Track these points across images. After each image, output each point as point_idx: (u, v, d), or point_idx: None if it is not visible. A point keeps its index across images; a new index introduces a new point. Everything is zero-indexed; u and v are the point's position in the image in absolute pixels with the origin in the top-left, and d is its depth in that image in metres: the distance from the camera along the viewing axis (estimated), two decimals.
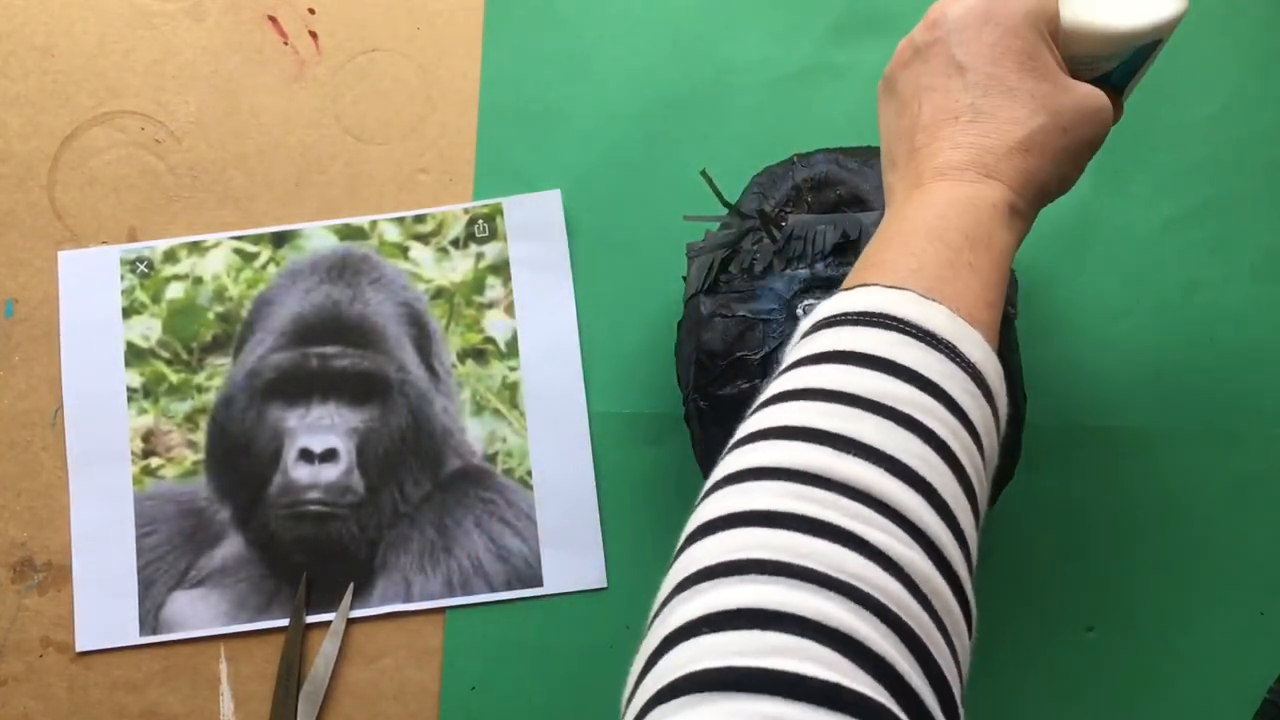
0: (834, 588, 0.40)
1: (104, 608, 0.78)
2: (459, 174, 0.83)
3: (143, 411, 0.81)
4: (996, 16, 0.54)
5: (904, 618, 0.41)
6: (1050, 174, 0.53)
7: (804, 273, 0.68)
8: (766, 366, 0.68)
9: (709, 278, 0.70)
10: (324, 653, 0.77)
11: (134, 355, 0.81)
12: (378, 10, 0.85)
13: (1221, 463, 0.77)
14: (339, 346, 0.81)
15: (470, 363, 0.81)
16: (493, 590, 0.77)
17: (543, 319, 0.81)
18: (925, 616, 0.41)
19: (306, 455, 0.79)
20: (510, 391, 0.80)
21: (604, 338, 0.80)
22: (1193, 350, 0.77)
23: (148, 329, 0.82)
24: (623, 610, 0.77)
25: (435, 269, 0.82)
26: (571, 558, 0.77)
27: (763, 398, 0.47)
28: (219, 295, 0.82)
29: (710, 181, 0.73)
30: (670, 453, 0.78)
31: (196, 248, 0.83)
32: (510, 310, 0.81)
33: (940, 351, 0.46)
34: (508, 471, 0.79)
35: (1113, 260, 0.80)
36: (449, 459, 0.79)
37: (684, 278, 0.74)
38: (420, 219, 0.82)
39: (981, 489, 0.47)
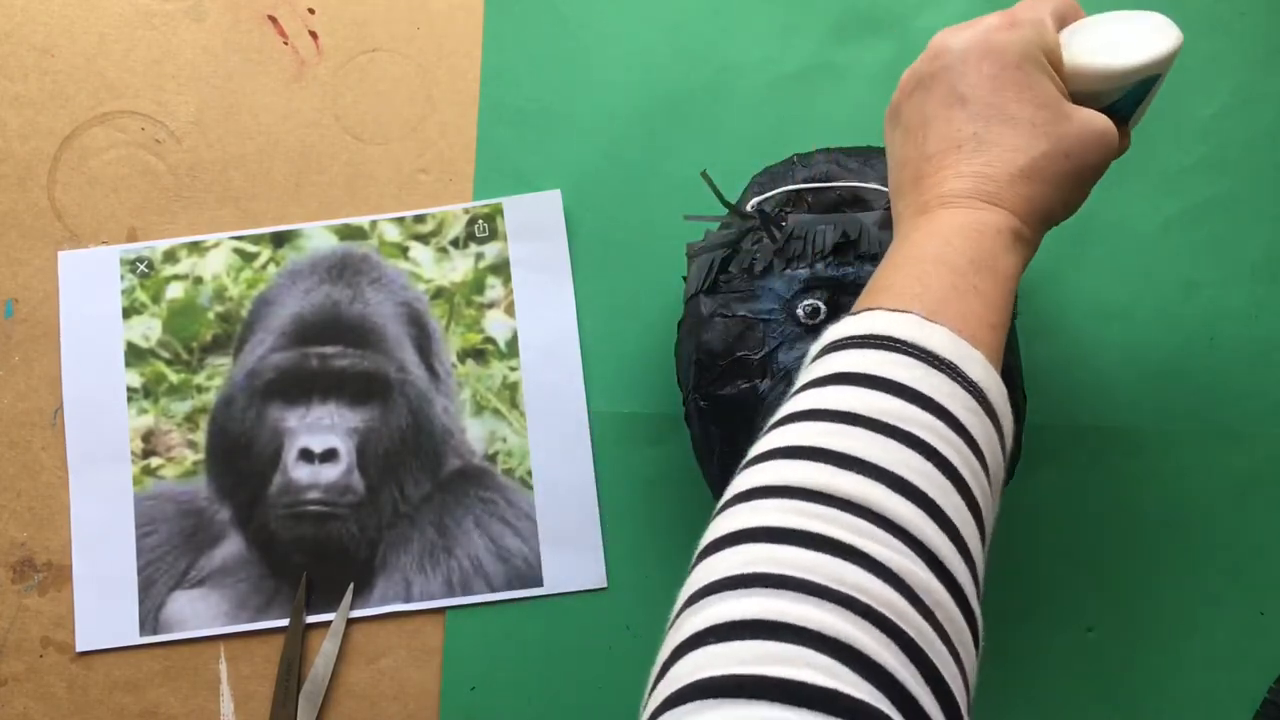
0: (834, 599, 0.42)
1: (104, 608, 0.78)
2: (459, 174, 0.83)
3: (143, 411, 0.81)
4: (996, 48, 0.56)
5: (904, 627, 0.42)
6: (1054, 199, 0.54)
7: (804, 273, 0.68)
8: (766, 366, 0.68)
9: (709, 278, 0.70)
10: (324, 653, 0.77)
11: (134, 355, 0.81)
12: (378, 10, 0.85)
13: (1221, 463, 0.77)
14: (339, 346, 0.81)
15: (470, 363, 0.81)
16: (493, 590, 0.77)
17: (543, 319, 0.81)
18: (926, 626, 0.43)
19: (306, 455, 0.79)
20: (510, 391, 0.80)
21: (604, 338, 0.80)
22: (1193, 350, 0.77)
23: (148, 329, 0.82)
24: (623, 610, 0.77)
25: (435, 269, 0.82)
26: (571, 558, 0.77)
27: (773, 420, 0.49)
28: (219, 295, 0.82)
29: (710, 182, 0.73)
30: (670, 453, 0.78)
31: (196, 248, 0.83)
32: (510, 310, 0.81)
33: (942, 371, 0.48)
34: (508, 471, 0.79)
35: (1113, 260, 0.80)
36: (449, 459, 0.79)
37: (684, 278, 0.74)
38: (420, 219, 0.82)
39: (987, 503, 0.48)
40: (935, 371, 0.47)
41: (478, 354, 0.81)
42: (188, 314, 0.82)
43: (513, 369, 0.80)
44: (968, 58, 0.56)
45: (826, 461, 0.45)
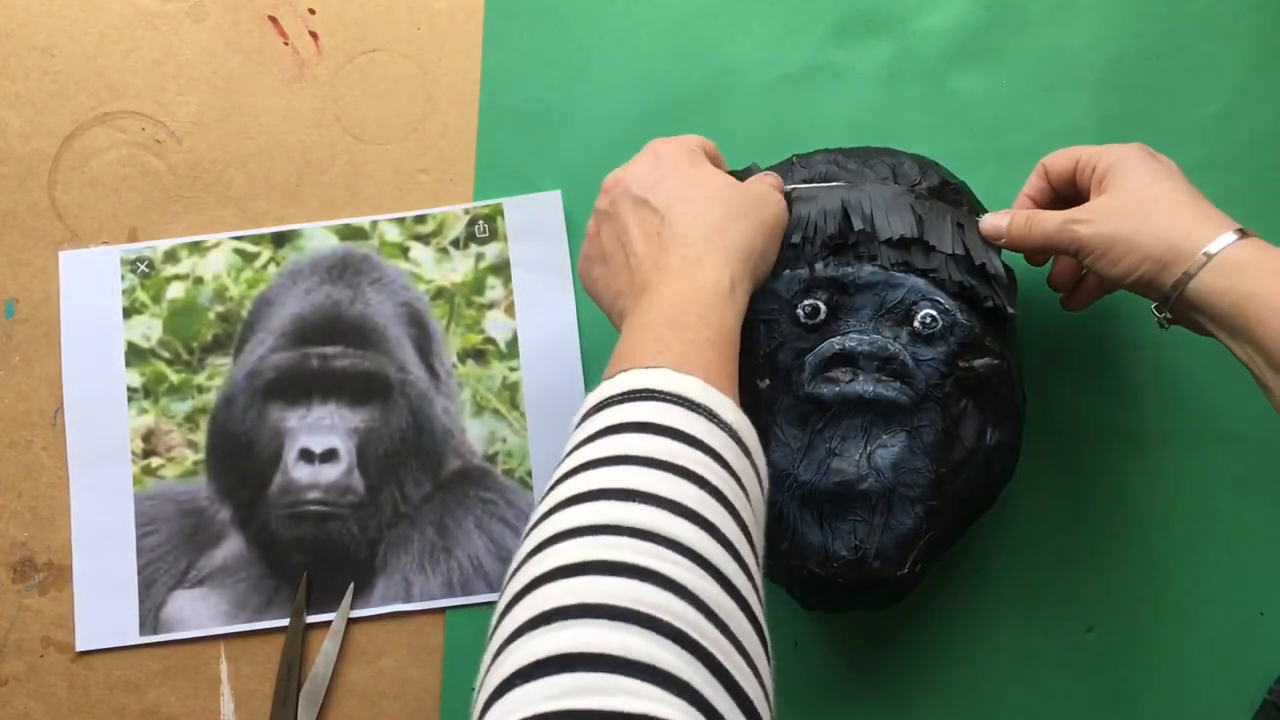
0: (637, 621, 0.44)
1: (104, 608, 0.78)
2: (459, 174, 0.83)
3: (143, 411, 0.81)
4: (660, 155, 0.65)
5: (704, 643, 0.44)
6: (748, 248, 0.62)
7: (804, 273, 0.67)
8: (767, 366, 0.68)
9: None
10: (324, 653, 0.77)
11: (134, 355, 0.81)
12: (378, 10, 0.85)
13: (1221, 463, 0.77)
14: (339, 347, 0.81)
15: (470, 363, 0.81)
16: (493, 590, 0.77)
17: (543, 319, 0.81)
18: (724, 640, 0.45)
19: (307, 455, 0.79)
20: (510, 391, 0.80)
21: (604, 338, 0.80)
22: (1193, 350, 0.77)
23: (148, 329, 0.82)
24: None
25: (435, 269, 0.82)
26: None
27: (553, 478, 0.52)
28: (219, 295, 0.82)
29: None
30: None
31: (197, 248, 0.83)
32: (510, 310, 0.81)
33: (700, 415, 0.52)
34: (508, 471, 0.79)
35: None
36: (449, 459, 0.79)
37: None
38: (420, 219, 0.82)
39: (756, 533, 0.52)
40: (694, 415, 0.52)
41: (478, 354, 0.81)
42: (188, 314, 0.82)
43: (513, 369, 0.80)
44: (638, 173, 0.65)
45: (611, 499, 0.48)
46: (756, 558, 0.51)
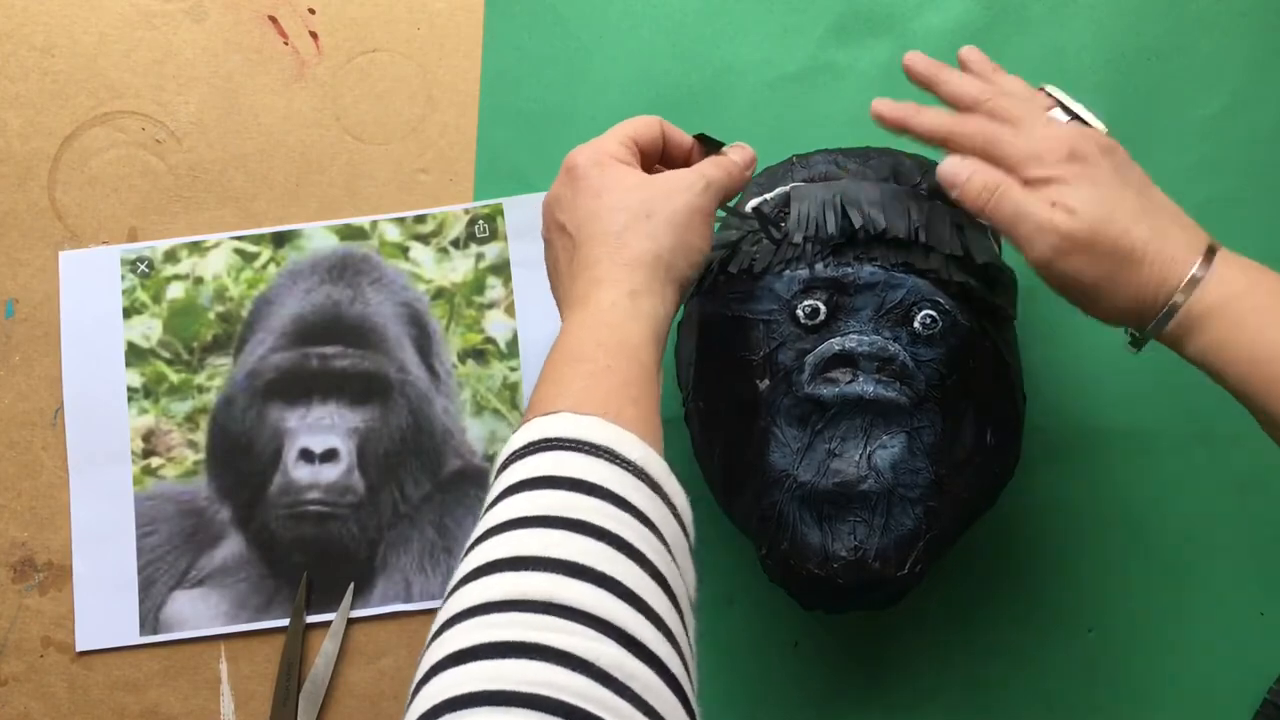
0: (520, 702, 0.43)
1: (104, 608, 0.78)
2: (459, 174, 0.83)
3: (143, 411, 0.81)
4: (571, 174, 0.64)
5: (598, 711, 0.43)
6: (653, 249, 0.60)
7: (804, 273, 0.67)
8: (766, 367, 0.68)
9: (708, 278, 0.70)
10: (324, 653, 0.77)
11: (134, 355, 0.81)
12: (378, 10, 0.85)
13: (1221, 463, 0.77)
14: (339, 347, 0.81)
15: (470, 363, 0.81)
16: None
17: (543, 319, 0.81)
18: (624, 703, 0.44)
19: (307, 455, 0.79)
20: (510, 392, 0.80)
21: None
22: None
23: (148, 329, 0.82)
24: None
25: (435, 269, 0.82)
26: None
27: (468, 544, 0.51)
28: (219, 295, 0.82)
29: (710, 139, 0.73)
30: (670, 453, 0.78)
31: (197, 248, 0.83)
32: (510, 310, 0.81)
33: (601, 458, 0.51)
34: None
35: None
36: (449, 459, 0.79)
37: None
38: (420, 219, 0.82)
39: (673, 573, 0.51)
40: (596, 459, 0.51)
41: (478, 354, 0.81)
42: (188, 314, 0.82)
43: (513, 369, 0.80)
44: (556, 194, 0.64)
45: (505, 570, 0.48)
46: (673, 599, 0.50)
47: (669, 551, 0.51)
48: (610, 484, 0.51)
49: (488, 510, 0.52)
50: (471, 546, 0.50)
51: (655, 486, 0.53)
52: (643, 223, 0.61)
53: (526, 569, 0.47)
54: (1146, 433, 0.78)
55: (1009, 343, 0.70)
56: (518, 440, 0.53)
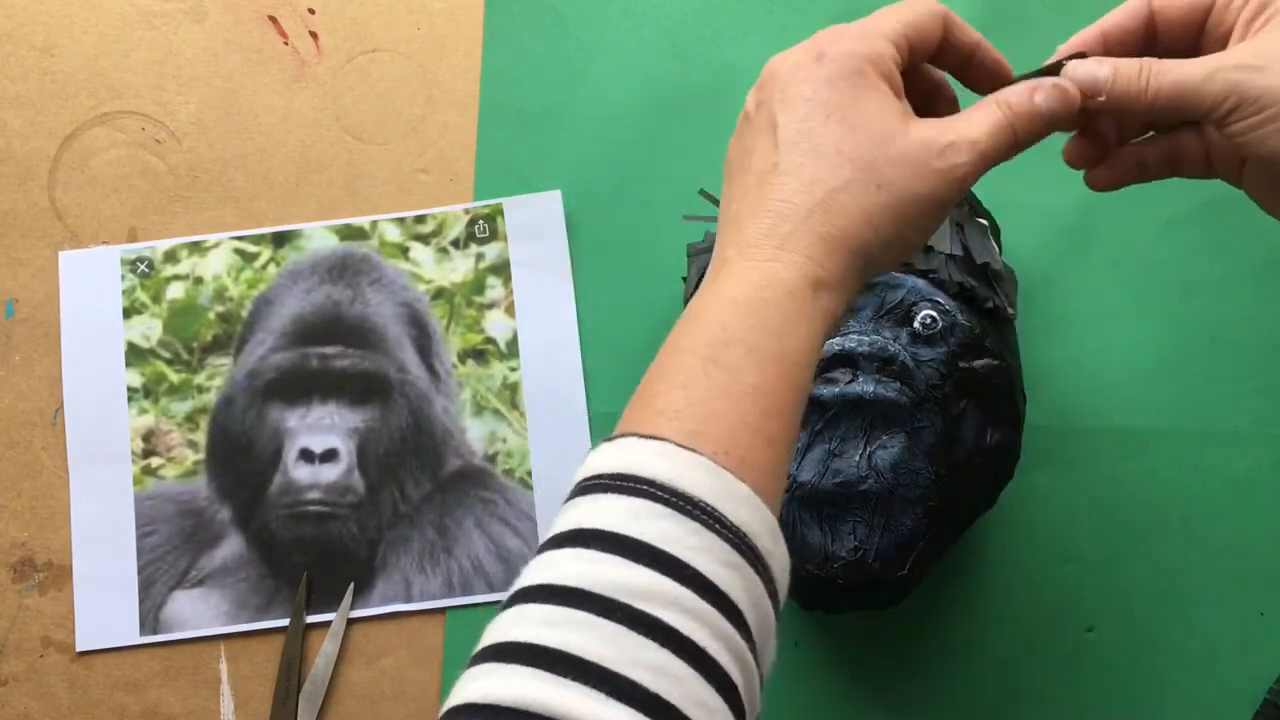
0: None
1: (104, 608, 0.78)
2: (459, 174, 0.83)
3: (143, 411, 0.81)
4: (820, 62, 0.49)
5: None
6: (867, 238, 0.46)
7: None
8: None
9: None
10: (324, 653, 0.77)
11: (134, 355, 0.81)
12: (378, 10, 0.85)
13: (1221, 463, 0.77)
14: (339, 347, 0.81)
15: (470, 363, 0.81)
16: (493, 590, 0.77)
17: (543, 319, 0.81)
18: None
19: (307, 455, 0.79)
20: (510, 392, 0.80)
21: (604, 338, 0.80)
22: (1193, 350, 0.77)
23: (148, 329, 0.82)
24: None
25: (435, 269, 0.82)
26: None
27: (514, 587, 0.43)
28: (219, 295, 0.82)
29: (711, 199, 0.73)
30: None
31: (197, 248, 0.83)
32: (510, 310, 0.81)
33: (695, 519, 0.41)
34: (508, 472, 0.79)
35: (1113, 260, 0.79)
36: (449, 459, 0.79)
37: (684, 278, 0.74)
38: (420, 219, 0.82)
39: (748, 673, 0.42)
40: (687, 520, 0.41)
41: (478, 354, 0.81)
42: (188, 314, 0.82)
43: (513, 369, 0.80)
44: (791, 77, 0.49)
45: (541, 667, 0.39)
46: (738, 711, 0.40)
47: (753, 647, 0.42)
48: (696, 559, 0.41)
49: (544, 549, 0.43)
50: (516, 599, 0.42)
51: (755, 559, 0.42)
52: (868, 195, 0.46)
53: (559, 673, 0.38)
54: (1146, 433, 0.78)
55: (1009, 343, 0.70)
56: (604, 461, 0.43)
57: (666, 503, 0.41)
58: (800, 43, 0.51)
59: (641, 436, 0.43)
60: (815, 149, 0.47)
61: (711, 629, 0.40)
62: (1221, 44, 0.51)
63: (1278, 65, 0.47)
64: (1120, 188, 0.56)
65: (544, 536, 0.44)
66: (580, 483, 0.44)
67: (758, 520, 0.42)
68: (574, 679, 0.38)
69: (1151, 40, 0.53)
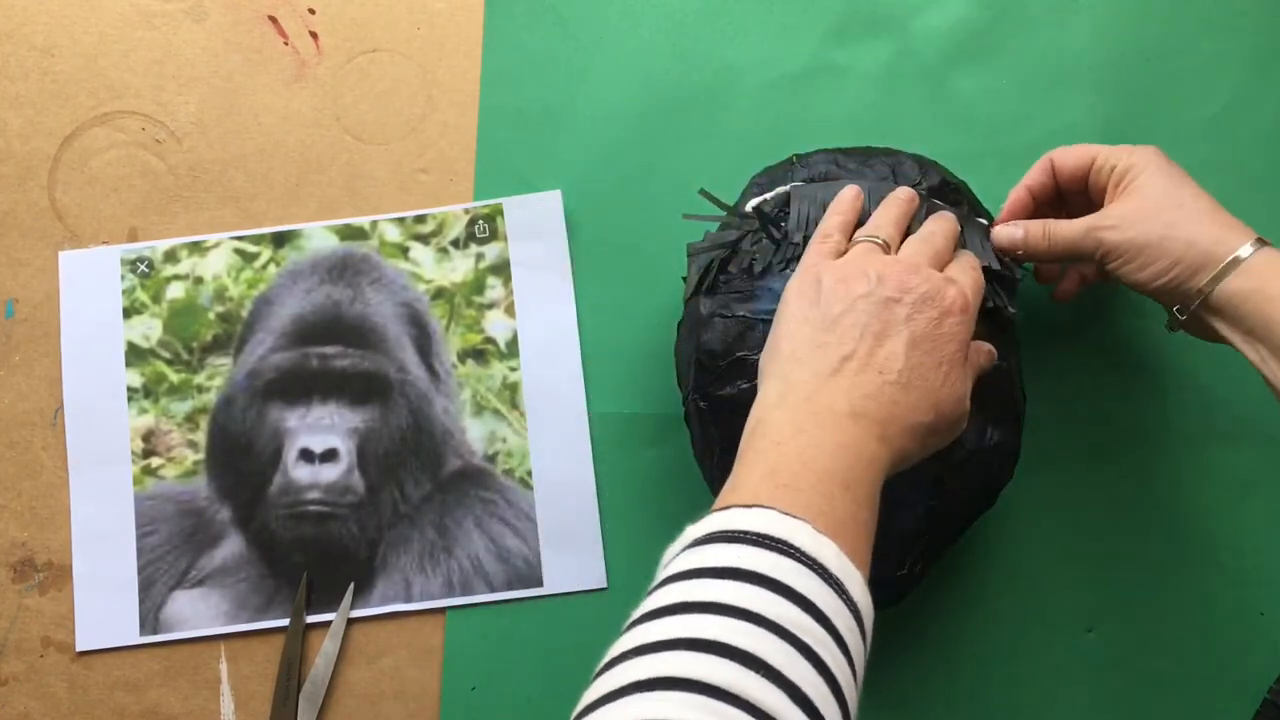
0: None
1: (104, 608, 0.78)
2: (459, 174, 0.83)
3: (143, 411, 0.81)
4: (953, 313, 0.60)
5: None
6: (909, 452, 0.58)
7: None
8: None
9: (708, 278, 0.70)
10: (324, 653, 0.77)
11: (134, 355, 0.81)
12: (378, 10, 0.85)
13: (1221, 463, 0.77)
14: (339, 347, 0.81)
15: (470, 363, 0.81)
16: (493, 590, 0.77)
17: (543, 319, 0.81)
18: None
19: (307, 455, 0.79)
20: (510, 391, 0.80)
21: (604, 338, 0.80)
22: (1193, 350, 0.77)
23: (148, 329, 0.82)
24: (622, 610, 0.76)
25: (435, 269, 0.82)
26: (571, 558, 0.77)
27: (665, 601, 0.49)
28: (219, 295, 0.82)
29: (712, 199, 0.73)
30: (670, 453, 0.78)
31: (197, 248, 0.83)
32: (510, 310, 0.81)
33: (830, 586, 0.49)
34: (508, 471, 0.79)
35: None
36: (449, 459, 0.79)
37: (684, 278, 0.74)
38: (420, 219, 0.82)
39: (851, 694, 0.50)
40: (826, 585, 0.49)
41: (478, 354, 0.81)
42: (188, 314, 0.82)
43: (513, 369, 0.80)
44: (927, 303, 0.59)
45: (733, 659, 0.46)
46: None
47: (856, 703, 0.50)
48: (835, 617, 0.49)
49: (694, 577, 0.50)
50: (675, 610, 0.49)
51: (864, 632, 0.51)
52: (927, 434, 0.58)
53: (751, 669, 0.45)
54: (1147, 432, 0.78)
55: (1009, 343, 0.70)
56: (749, 521, 0.51)
57: (810, 567, 0.49)
58: (964, 275, 0.63)
59: (783, 514, 0.51)
60: (924, 385, 0.58)
61: (844, 676, 0.49)
62: (1100, 193, 0.69)
63: (1127, 225, 0.66)
64: (1074, 295, 0.76)
65: (681, 565, 0.51)
66: (726, 532, 0.51)
67: (866, 604, 0.52)
68: (761, 674, 0.45)
69: (1058, 187, 0.72)
